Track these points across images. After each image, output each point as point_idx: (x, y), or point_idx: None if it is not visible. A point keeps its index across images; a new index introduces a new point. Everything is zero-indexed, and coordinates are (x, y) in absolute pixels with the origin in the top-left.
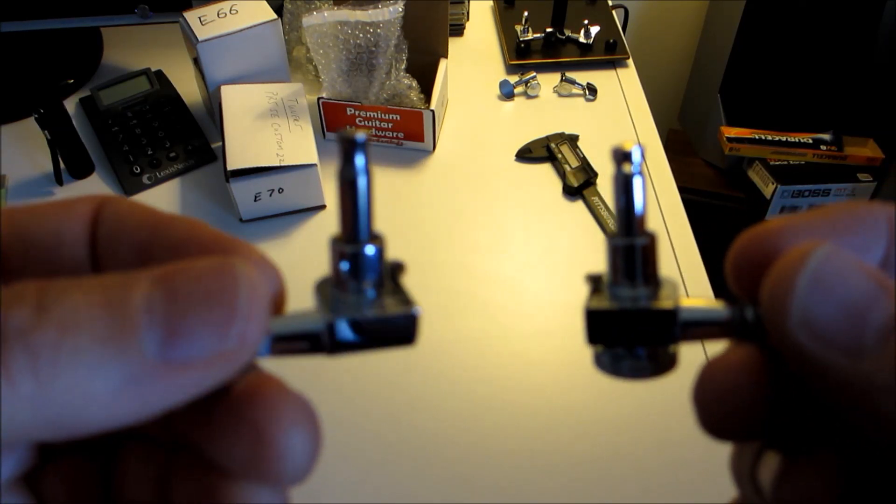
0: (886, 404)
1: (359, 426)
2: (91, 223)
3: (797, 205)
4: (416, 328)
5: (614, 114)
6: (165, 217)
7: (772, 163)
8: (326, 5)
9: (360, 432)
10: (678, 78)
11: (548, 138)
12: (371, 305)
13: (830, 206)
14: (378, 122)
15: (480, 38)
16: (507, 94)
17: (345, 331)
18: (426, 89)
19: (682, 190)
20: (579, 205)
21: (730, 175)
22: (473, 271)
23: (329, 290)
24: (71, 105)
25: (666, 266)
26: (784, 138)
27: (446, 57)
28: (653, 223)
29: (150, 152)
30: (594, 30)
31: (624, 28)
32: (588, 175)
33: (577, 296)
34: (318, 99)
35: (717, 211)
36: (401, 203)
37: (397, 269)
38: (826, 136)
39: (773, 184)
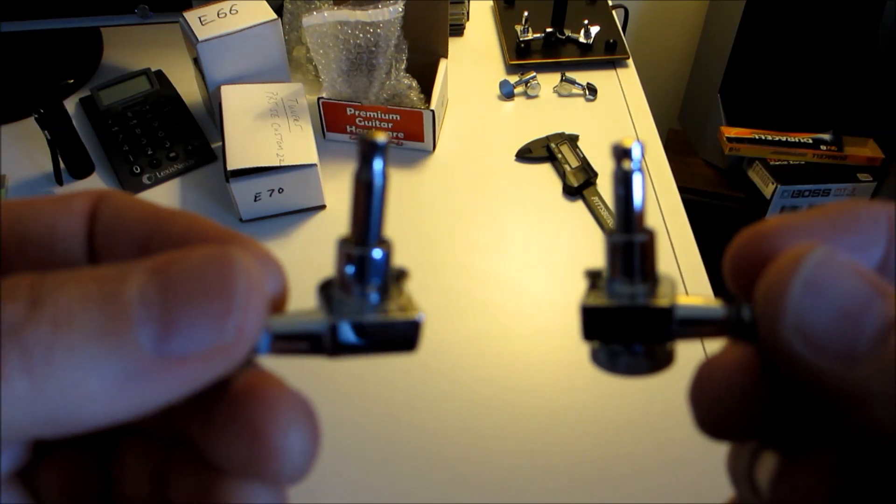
0: (881, 410)
1: (359, 426)
2: (88, 218)
3: (797, 205)
4: (418, 335)
5: (614, 114)
6: (165, 212)
7: (772, 163)
8: (326, 5)
9: (359, 432)
10: (678, 78)
11: (548, 138)
12: (374, 310)
13: (830, 205)
14: (378, 122)
15: (480, 38)
16: (507, 94)
17: (347, 333)
18: (426, 89)
19: (682, 190)
20: (579, 205)
21: (730, 175)
22: (473, 271)
23: (332, 291)
24: (71, 105)
25: (666, 266)
26: (784, 138)
27: (446, 57)
28: (653, 223)
29: (150, 152)
30: (594, 30)
31: (624, 28)
32: (588, 175)
33: (577, 295)
34: (318, 99)
35: (717, 211)
36: (401, 203)
37: (401, 275)
38: (826, 136)
39: (773, 184)
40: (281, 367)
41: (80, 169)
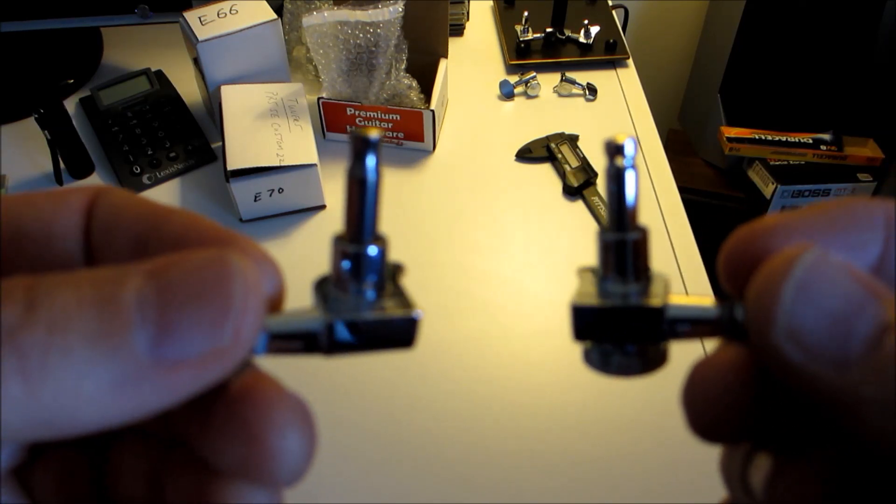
0: (873, 415)
1: (358, 426)
2: (85, 215)
3: (797, 205)
4: (416, 332)
5: (614, 114)
6: (163, 210)
7: (772, 163)
8: (326, 5)
9: (359, 432)
10: (678, 78)
11: (548, 138)
12: (371, 307)
13: (826, 203)
14: (378, 122)
15: (480, 38)
16: (507, 94)
17: (344, 332)
18: (426, 89)
19: (682, 190)
20: (579, 205)
21: (730, 175)
22: (473, 271)
23: (328, 288)
24: (71, 105)
25: (666, 266)
26: (784, 138)
27: (446, 57)
28: (653, 223)
29: (150, 152)
30: (594, 30)
31: (624, 28)
32: (588, 175)
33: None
34: (318, 99)
35: (717, 211)
36: (401, 203)
37: (397, 270)
38: (826, 136)
39: (773, 184)
40: (281, 367)
41: (80, 169)
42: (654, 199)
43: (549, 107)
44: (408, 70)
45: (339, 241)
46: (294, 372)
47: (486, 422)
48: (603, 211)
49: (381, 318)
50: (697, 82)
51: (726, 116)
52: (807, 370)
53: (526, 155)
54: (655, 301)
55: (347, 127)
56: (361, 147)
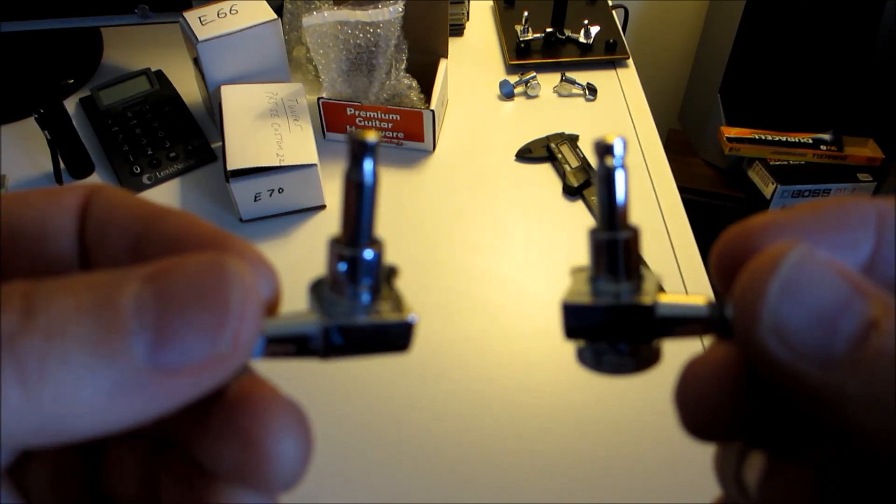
0: (860, 414)
1: (358, 425)
2: (80, 214)
3: (797, 205)
4: (411, 335)
5: (614, 114)
6: (158, 210)
7: (772, 163)
8: (326, 5)
9: (359, 432)
10: (678, 78)
11: (548, 138)
12: (366, 310)
13: (818, 202)
14: (378, 122)
15: (480, 38)
16: (507, 94)
17: (339, 336)
18: (426, 89)
19: (682, 190)
20: (579, 205)
21: (730, 175)
22: (473, 271)
23: (324, 291)
24: (71, 105)
25: (666, 266)
26: (784, 138)
27: (446, 57)
28: (653, 223)
29: (150, 152)
30: (594, 30)
31: (624, 28)
32: (588, 175)
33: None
34: (318, 99)
35: (717, 211)
36: (401, 203)
37: (392, 272)
38: (826, 136)
39: (773, 184)
40: (282, 367)
41: (80, 169)
42: (654, 199)
43: (549, 107)
44: (408, 70)
45: (335, 244)
46: (294, 371)
47: (486, 422)
48: None
49: (377, 323)
50: (697, 82)
51: (726, 116)
52: (792, 368)
53: (526, 155)
54: (646, 299)
55: (347, 127)
56: (359, 150)
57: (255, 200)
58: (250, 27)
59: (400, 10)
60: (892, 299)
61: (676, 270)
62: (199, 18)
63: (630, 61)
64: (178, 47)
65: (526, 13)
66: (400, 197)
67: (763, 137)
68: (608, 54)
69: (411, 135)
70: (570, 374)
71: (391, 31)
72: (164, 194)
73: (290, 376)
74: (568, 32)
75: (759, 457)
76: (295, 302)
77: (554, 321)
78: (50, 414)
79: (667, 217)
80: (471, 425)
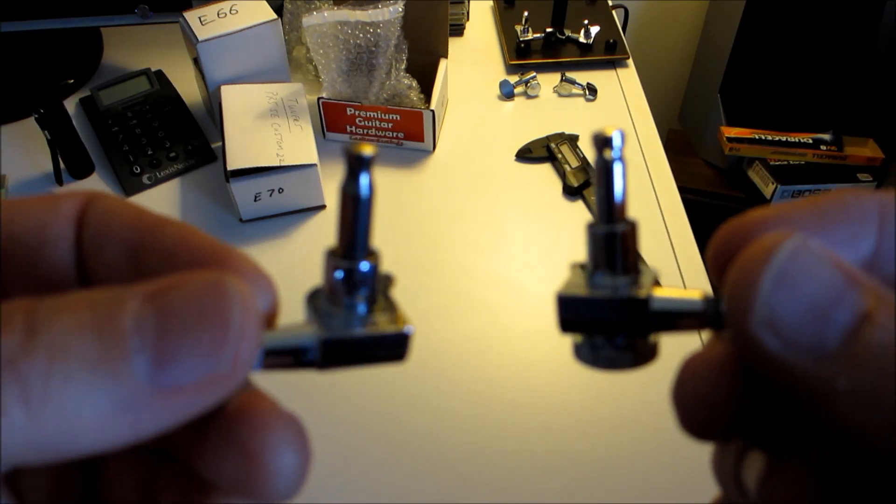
0: (851, 409)
1: (358, 425)
2: (77, 222)
3: None
4: (408, 346)
5: (614, 114)
6: (156, 219)
7: (772, 163)
8: (326, 5)
9: (359, 432)
10: (678, 78)
11: (548, 138)
12: (363, 322)
13: (818, 196)
14: (378, 122)
15: (480, 38)
16: (507, 94)
17: (337, 348)
18: (426, 89)
19: (682, 190)
20: (579, 205)
21: (730, 175)
22: (473, 271)
23: (321, 302)
24: (71, 105)
25: (666, 266)
26: (784, 138)
27: (446, 57)
28: (653, 223)
29: (150, 152)
30: (594, 30)
31: (624, 28)
32: (588, 175)
33: None
34: (318, 99)
35: (717, 211)
36: (401, 203)
37: (388, 281)
38: (826, 136)
39: (773, 184)
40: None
41: (80, 169)
42: (654, 199)
43: (549, 107)
44: (408, 70)
45: (331, 256)
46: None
47: (486, 422)
48: None
49: (374, 334)
50: (697, 82)
51: (726, 116)
52: (784, 361)
53: (526, 155)
54: (640, 292)
55: (350, 128)
56: (355, 164)
57: (255, 200)
58: (250, 27)
59: (400, 10)
60: (887, 292)
61: (676, 270)
62: (199, 18)
63: (630, 61)
64: (178, 47)
65: (526, 13)
66: (400, 197)
67: (763, 137)
68: (608, 54)
69: (411, 135)
70: (569, 373)
71: (391, 31)
72: (164, 194)
73: (290, 377)
74: (568, 32)
75: (757, 456)
76: (295, 302)
77: (554, 321)
78: (53, 433)
79: (667, 217)
80: (471, 425)
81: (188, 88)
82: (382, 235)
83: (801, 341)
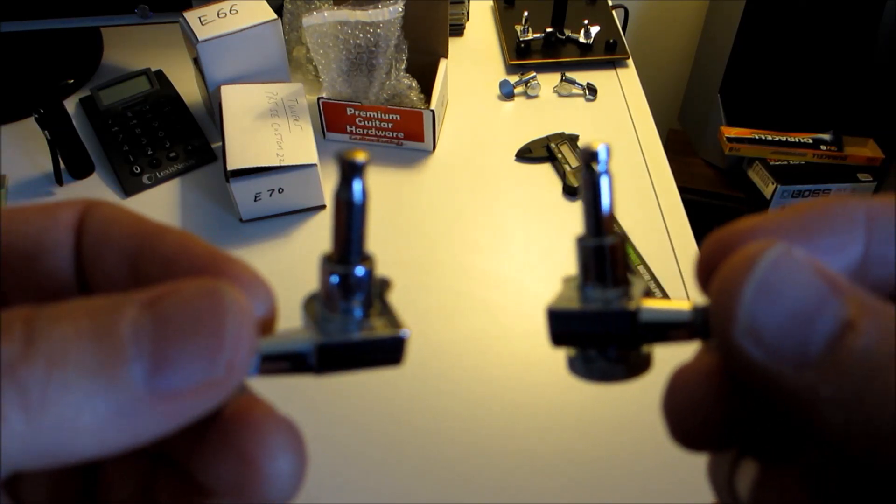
0: (835, 417)
1: (358, 425)
2: (76, 230)
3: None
4: (403, 350)
5: (614, 114)
6: (155, 227)
7: (772, 163)
8: (326, 5)
9: (359, 432)
10: (678, 78)
11: (548, 138)
12: (359, 326)
13: (803, 205)
14: (378, 122)
15: (480, 38)
16: (507, 94)
17: (333, 352)
18: (426, 89)
19: (682, 190)
20: (579, 205)
21: (730, 175)
22: (473, 271)
23: (317, 307)
24: (71, 105)
25: (666, 266)
26: (784, 138)
27: (446, 57)
28: (653, 223)
29: (150, 152)
30: (594, 30)
31: (624, 28)
32: None
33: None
34: (318, 99)
35: (717, 211)
36: (401, 203)
37: (384, 286)
38: (826, 136)
39: (773, 184)
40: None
41: (80, 169)
42: (654, 199)
43: (549, 107)
44: (408, 70)
45: (326, 261)
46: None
47: (486, 422)
48: None
49: (370, 339)
50: (697, 82)
51: (726, 116)
52: (767, 369)
53: (526, 155)
54: (629, 304)
55: (350, 128)
56: (349, 170)
57: (255, 200)
58: (250, 27)
59: (400, 10)
60: (871, 299)
61: (676, 270)
62: (199, 18)
63: (630, 61)
64: (178, 47)
65: (526, 13)
66: (400, 197)
67: (763, 137)
68: (608, 54)
69: (411, 135)
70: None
71: (391, 31)
72: (164, 194)
73: (290, 378)
74: (568, 32)
75: (750, 464)
76: (295, 302)
77: None
78: (52, 438)
79: (667, 217)
80: (470, 425)
81: (188, 88)
82: (383, 235)
83: (784, 349)
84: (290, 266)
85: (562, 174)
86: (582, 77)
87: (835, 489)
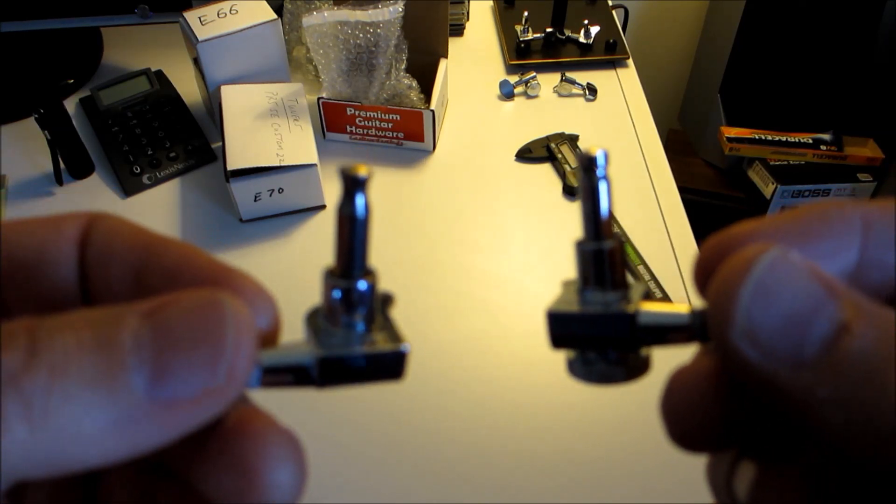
0: (832, 417)
1: (358, 425)
2: (80, 243)
3: (797, 205)
4: (404, 365)
5: (614, 114)
6: (158, 240)
7: (772, 163)
8: (326, 5)
9: (359, 432)
10: (678, 78)
11: (548, 138)
12: (361, 340)
13: (800, 210)
14: (378, 122)
15: (480, 38)
16: (507, 94)
17: (335, 366)
18: (426, 89)
19: (682, 190)
20: (579, 205)
21: (730, 175)
22: (473, 271)
23: (319, 321)
24: (71, 105)
25: (666, 266)
26: (784, 138)
27: (446, 57)
28: (653, 223)
29: (150, 152)
30: (594, 30)
31: (624, 28)
32: None
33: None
34: (318, 99)
35: (717, 211)
36: (401, 203)
37: (387, 301)
38: (826, 136)
39: (773, 184)
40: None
41: (80, 169)
42: (654, 199)
43: (549, 107)
44: (408, 70)
45: (329, 275)
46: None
47: (486, 422)
48: None
49: (370, 353)
50: (697, 82)
51: (726, 116)
52: (764, 370)
53: (526, 155)
54: (628, 307)
55: (350, 128)
56: (351, 185)
57: (255, 200)
58: (250, 27)
59: (400, 10)
60: (866, 302)
61: (676, 270)
62: (199, 18)
63: (630, 61)
64: (178, 47)
65: (526, 13)
66: (400, 197)
67: (763, 137)
68: (608, 54)
69: (411, 135)
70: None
71: (391, 31)
72: (164, 194)
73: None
74: (568, 32)
75: (748, 465)
76: (295, 302)
77: None
78: (55, 447)
79: (667, 217)
80: (470, 425)
81: (188, 88)
82: (383, 235)
83: (780, 351)
84: (290, 266)
85: (562, 174)
86: (582, 77)
87: (833, 490)
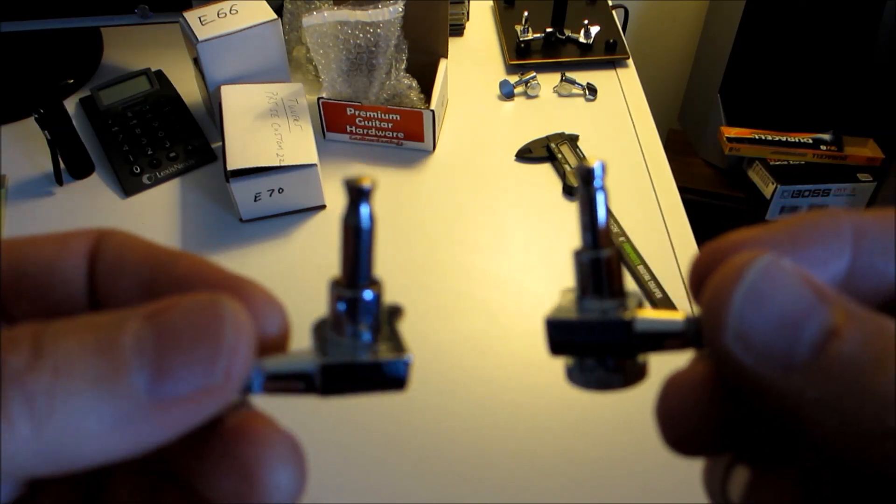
0: (823, 420)
1: (358, 426)
2: (89, 258)
3: (797, 205)
4: (407, 375)
5: (614, 114)
6: (168, 253)
7: (772, 163)
8: (326, 5)
9: (359, 432)
10: (678, 78)
11: (548, 138)
12: (365, 350)
13: (793, 218)
14: (378, 122)
15: (480, 38)
16: (507, 94)
17: (337, 374)
18: (426, 89)
19: (682, 190)
20: (577, 213)
21: (730, 175)
22: (473, 271)
23: (326, 331)
24: (71, 105)
25: (666, 266)
26: (784, 138)
27: (446, 57)
28: (653, 223)
29: (150, 152)
30: (594, 30)
31: (624, 28)
32: None
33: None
34: (318, 99)
35: (717, 211)
36: (401, 203)
37: (395, 312)
38: (826, 136)
39: (773, 184)
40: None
41: (80, 169)
42: (654, 199)
43: (549, 107)
44: (408, 70)
45: (335, 285)
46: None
47: (486, 422)
48: None
49: (373, 362)
50: (697, 82)
51: (726, 116)
52: (756, 373)
53: (526, 155)
54: (625, 315)
55: (350, 128)
56: (356, 196)
57: (255, 200)
58: (250, 27)
59: (400, 10)
60: (856, 307)
61: (676, 270)
62: (199, 18)
63: (630, 61)
64: (178, 47)
65: (526, 13)
66: (400, 197)
67: (763, 137)
68: (608, 54)
69: (411, 135)
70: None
71: (391, 31)
72: (164, 194)
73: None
74: (568, 32)
75: (742, 469)
76: (295, 302)
77: None
78: (57, 444)
79: (667, 217)
80: (470, 425)
81: (188, 88)
82: (383, 235)
83: (772, 354)
84: (290, 266)
85: (562, 174)
86: (582, 77)
87: (827, 492)
